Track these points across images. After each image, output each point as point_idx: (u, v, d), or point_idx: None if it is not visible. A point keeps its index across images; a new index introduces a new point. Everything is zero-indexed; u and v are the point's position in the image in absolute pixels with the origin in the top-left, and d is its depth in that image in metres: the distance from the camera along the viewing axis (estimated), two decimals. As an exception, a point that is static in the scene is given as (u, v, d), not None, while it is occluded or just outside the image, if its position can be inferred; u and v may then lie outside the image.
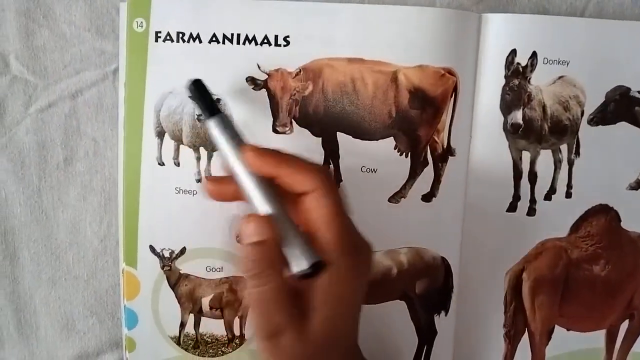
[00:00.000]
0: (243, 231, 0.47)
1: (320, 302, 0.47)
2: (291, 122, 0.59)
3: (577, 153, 0.59)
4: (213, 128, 0.50)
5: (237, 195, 0.50)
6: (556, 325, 0.62)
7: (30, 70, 0.61)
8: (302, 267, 0.47)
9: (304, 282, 0.47)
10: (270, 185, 0.48)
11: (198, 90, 0.51)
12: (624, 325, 0.62)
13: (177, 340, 0.62)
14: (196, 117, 0.59)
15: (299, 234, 0.48)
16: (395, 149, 0.59)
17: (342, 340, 0.49)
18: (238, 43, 0.58)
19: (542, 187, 0.60)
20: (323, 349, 0.48)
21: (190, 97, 0.52)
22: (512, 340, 0.62)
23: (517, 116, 0.58)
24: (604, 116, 0.59)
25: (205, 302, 0.61)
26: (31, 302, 0.64)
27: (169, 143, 0.59)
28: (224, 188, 0.51)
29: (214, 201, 0.52)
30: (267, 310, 0.46)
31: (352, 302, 0.49)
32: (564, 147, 0.59)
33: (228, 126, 0.50)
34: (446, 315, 0.61)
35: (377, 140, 0.59)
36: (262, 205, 0.48)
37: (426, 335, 0.61)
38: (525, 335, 0.62)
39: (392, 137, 0.59)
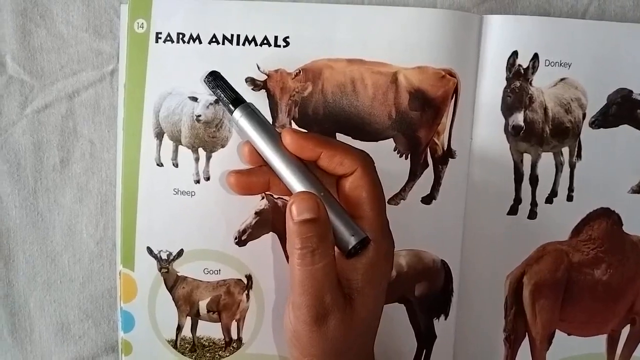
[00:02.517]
0: (295, 208, 0.46)
1: (364, 282, 0.47)
2: (290, 123, 0.59)
3: (579, 156, 0.59)
4: (240, 117, 0.50)
5: (262, 186, 0.52)
6: (557, 330, 0.61)
7: (27, 71, 0.61)
8: (351, 243, 0.47)
9: (347, 263, 0.48)
10: (310, 169, 0.49)
11: (218, 81, 0.51)
12: (626, 330, 0.62)
13: (174, 344, 0.61)
14: (195, 117, 0.58)
15: (344, 212, 0.48)
16: (395, 150, 0.59)
17: (375, 326, 0.50)
18: (238, 44, 0.58)
19: (543, 190, 0.60)
20: (362, 332, 0.49)
21: (211, 89, 0.51)
22: (512, 345, 0.61)
23: (519, 118, 0.58)
24: (605, 119, 0.58)
25: (203, 305, 0.60)
26: (26, 306, 0.64)
27: (167, 144, 0.59)
28: (249, 180, 0.52)
29: (239, 195, 0.52)
30: (319, 290, 0.46)
31: (385, 287, 0.50)
32: (565, 150, 0.59)
33: (256, 114, 0.50)
34: (446, 319, 0.61)
35: (376, 141, 0.59)
36: (305, 187, 0.48)
37: (426, 339, 0.61)
38: (526, 340, 0.61)
39: (391, 139, 0.59)
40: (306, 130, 0.58)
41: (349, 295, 0.47)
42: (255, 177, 0.51)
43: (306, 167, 0.49)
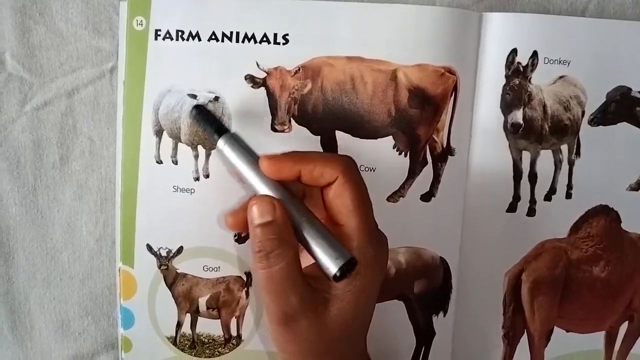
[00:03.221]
0: (253, 212, 0.47)
1: (343, 291, 0.47)
2: (290, 121, 0.59)
3: (578, 153, 0.59)
4: (223, 147, 0.50)
5: None
6: (555, 327, 0.62)
7: (26, 68, 0.61)
8: (334, 269, 0.46)
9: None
10: (293, 192, 0.49)
11: (201, 115, 0.53)
12: (624, 327, 0.62)
13: (174, 341, 0.61)
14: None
15: (329, 234, 0.47)
16: (394, 148, 0.59)
17: (357, 332, 0.50)
18: (237, 41, 0.58)
19: (542, 187, 0.60)
20: (338, 339, 0.48)
21: (196, 122, 0.53)
22: (511, 342, 0.61)
23: (518, 116, 0.58)
24: (604, 116, 0.58)
25: (202, 302, 0.61)
26: (26, 303, 0.64)
27: (167, 141, 0.59)
28: (245, 216, 0.50)
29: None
30: (280, 291, 0.46)
31: (371, 295, 0.49)
32: (564, 148, 0.59)
33: (238, 143, 0.50)
34: (445, 316, 0.61)
35: (376, 139, 0.59)
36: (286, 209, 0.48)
37: (424, 335, 0.61)
38: (524, 337, 0.62)
39: (391, 136, 0.59)
40: (303, 129, 0.59)
41: (326, 299, 0.47)
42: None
43: (286, 190, 0.49)
